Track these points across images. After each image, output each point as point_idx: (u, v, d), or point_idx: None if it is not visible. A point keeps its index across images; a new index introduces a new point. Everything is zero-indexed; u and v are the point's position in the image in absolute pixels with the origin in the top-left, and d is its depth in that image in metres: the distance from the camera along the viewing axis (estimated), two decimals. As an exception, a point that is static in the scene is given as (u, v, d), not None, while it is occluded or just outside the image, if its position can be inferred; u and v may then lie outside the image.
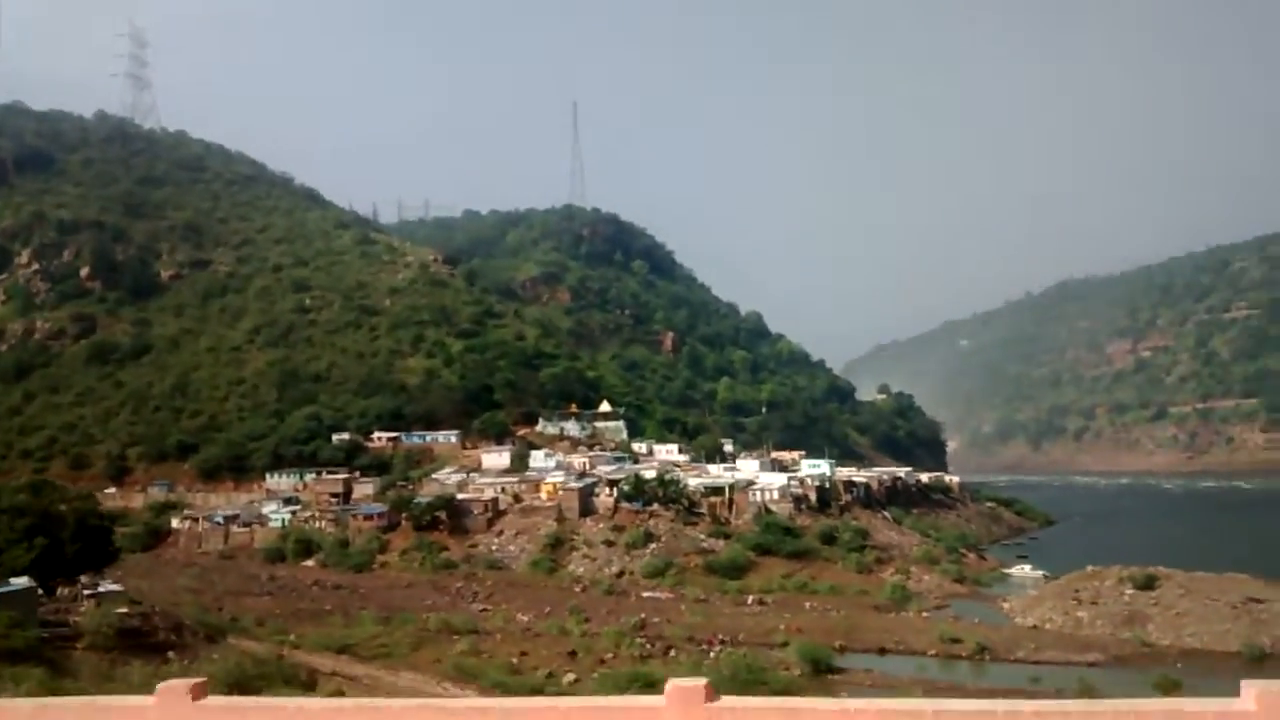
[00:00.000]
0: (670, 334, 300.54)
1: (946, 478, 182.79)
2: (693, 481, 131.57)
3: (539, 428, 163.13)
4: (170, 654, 64.30)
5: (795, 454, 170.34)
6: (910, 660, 75.64)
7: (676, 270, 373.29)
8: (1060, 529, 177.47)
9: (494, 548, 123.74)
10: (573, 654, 73.44)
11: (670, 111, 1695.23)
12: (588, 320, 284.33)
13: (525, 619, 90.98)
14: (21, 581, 66.10)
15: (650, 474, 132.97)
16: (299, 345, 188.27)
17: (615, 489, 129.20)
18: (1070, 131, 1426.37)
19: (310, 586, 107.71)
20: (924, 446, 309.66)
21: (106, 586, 71.84)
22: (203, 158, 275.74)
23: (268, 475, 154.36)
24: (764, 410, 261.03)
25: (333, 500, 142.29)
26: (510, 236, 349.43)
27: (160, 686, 5.04)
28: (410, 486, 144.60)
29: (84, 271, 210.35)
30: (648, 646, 75.02)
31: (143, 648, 63.63)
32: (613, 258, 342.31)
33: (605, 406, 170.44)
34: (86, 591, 70.08)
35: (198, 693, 5.02)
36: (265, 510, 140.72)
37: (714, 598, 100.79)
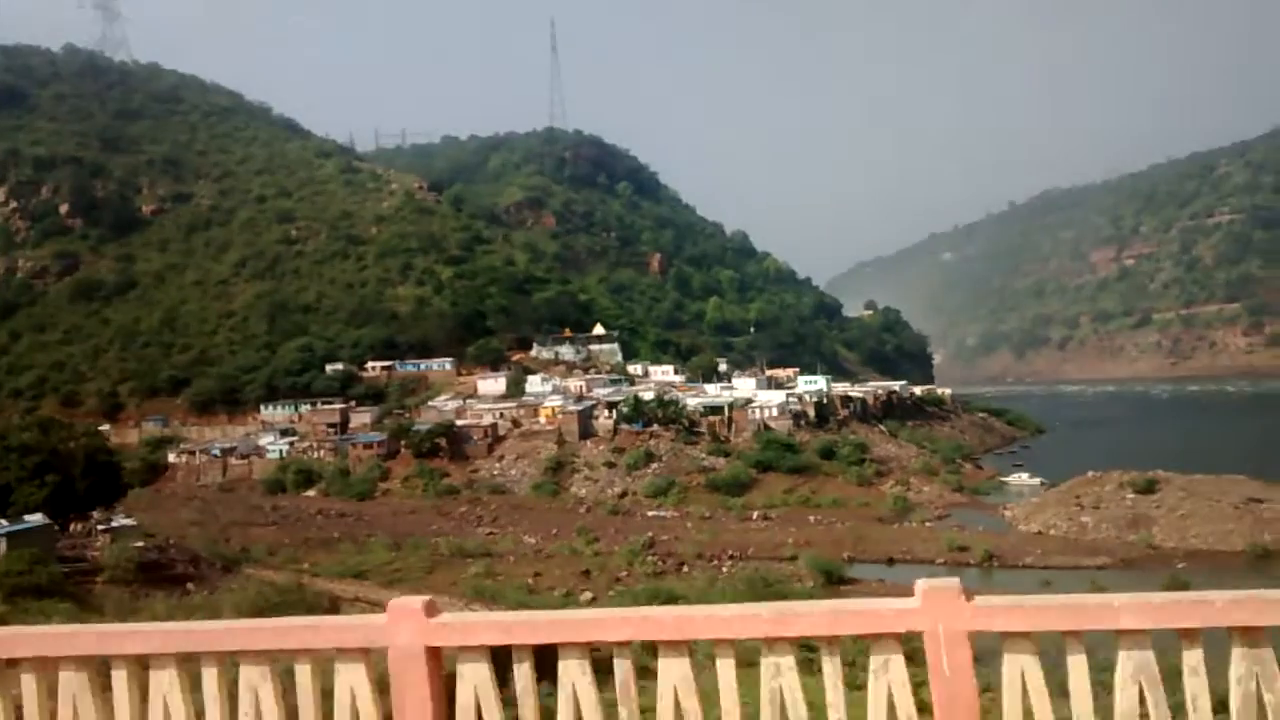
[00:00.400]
0: (657, 255, 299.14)
1: (939, 390, 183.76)
2: (691, 401, 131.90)
3: (533, 353, 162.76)
4: (189, 585, 64.64)
5: (789, 371, 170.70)
6: (919, 569, 76.48)
7: (661, 192, 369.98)
8: (1052, 437, 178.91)
9: (495, 473, 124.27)
10: (586, 573, 74.19)
11: (646, 29, 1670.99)
12: (573, 244, 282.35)
13: (532, 541, 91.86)
14: (37, 518, 66.24)
15: (648, 395, 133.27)
16: (286, 276, 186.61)
17: (614, 411, 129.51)
18: (1049, 40, 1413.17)
19: (314, 515, 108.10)
20: (911, 360, 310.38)
21: (120, 521, 71.92)
22: (178, 89, 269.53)
23: (262, 407, 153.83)
24: (752, 329, 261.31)
25: (329, 430, 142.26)
26: (491, 162, 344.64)
27: (392, 604, 4.98)
28: (407, 414, 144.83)
29: (63, 208, 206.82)
30: (660, 564, 75.75)
31: (162, 580, 63.89)
32: (596, 180, 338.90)
33: (599, 330, 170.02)
34: (100, 527, 70.17)
35: (431, 610, 4.97)
36: (262, 442, 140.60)
37: (718, 515, 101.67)
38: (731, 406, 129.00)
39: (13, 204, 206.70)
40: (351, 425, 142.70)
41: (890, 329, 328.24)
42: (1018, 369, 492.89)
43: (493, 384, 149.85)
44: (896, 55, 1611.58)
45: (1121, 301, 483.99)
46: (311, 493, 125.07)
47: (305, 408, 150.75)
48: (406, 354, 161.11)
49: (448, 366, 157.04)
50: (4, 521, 64.66)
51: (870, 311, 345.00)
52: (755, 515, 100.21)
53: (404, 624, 4.92)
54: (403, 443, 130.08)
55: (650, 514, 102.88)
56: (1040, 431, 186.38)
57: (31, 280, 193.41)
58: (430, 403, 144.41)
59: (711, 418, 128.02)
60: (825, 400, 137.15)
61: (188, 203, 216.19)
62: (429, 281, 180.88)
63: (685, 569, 75.61)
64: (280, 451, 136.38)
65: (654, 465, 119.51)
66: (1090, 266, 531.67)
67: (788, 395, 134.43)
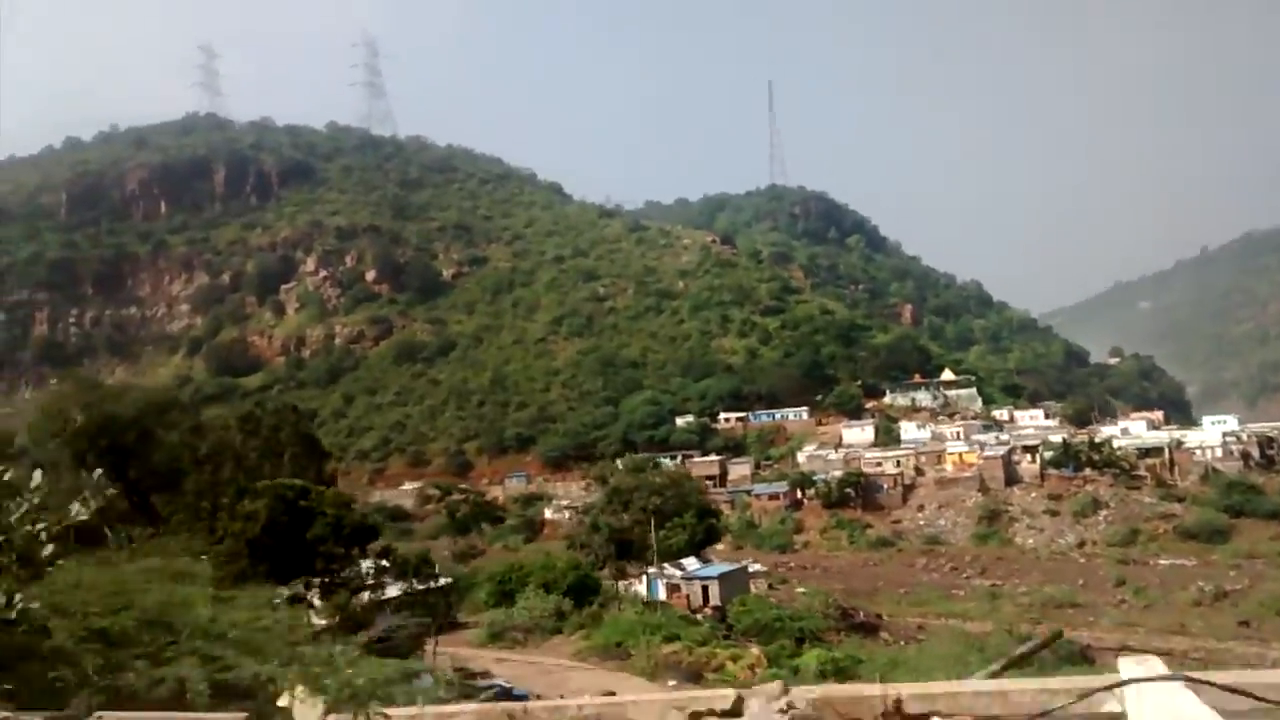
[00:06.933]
0: (909, 306, 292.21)
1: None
2: (1120, 443, 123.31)
3: (888, 399, 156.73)
4: (884, 635, 59.86)
5: (1156, 414, 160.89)
6: None
7: (887, 244, 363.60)
8: None
9: (921, 522, 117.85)
10: (1244, 623, 66.84)
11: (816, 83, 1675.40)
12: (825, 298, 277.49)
13: (1053, 593, 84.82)
14: (690, 562, 62.63)
15: (1055, 438, 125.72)
16: (604, 333, 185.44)
17: (1035, 455, 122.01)
18: (1223, 93, 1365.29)
19: (775, 569, 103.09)
20: (1174, 407, 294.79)
21: (751, 567, 67.83)
22: (449, 159, 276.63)
23: (616, 461, 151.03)
24: (1016, 378, 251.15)
25: (709, 482, 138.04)
26: (719, 221, 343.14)
27: None
28: (775, 464, 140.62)
29: (369, 275, 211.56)
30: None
31: (856, 628, 59.38)
32: (828, 235, 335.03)
33: (947, 375, 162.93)
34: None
35: None
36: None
37: (1245, 563, 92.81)
38: (1172, 448, 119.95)
39: (322, 273, 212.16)
40: (731, 476, 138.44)
41: (1147, 376, 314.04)
42: (1251, 418, 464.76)
43: (858, 432, 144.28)
44: (1077, 113, 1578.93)
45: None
46: (719, 546, 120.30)
47: (665, 461, 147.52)
48: (754, 404, 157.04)
49: (804, 416, 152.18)
50: (667, 566, 61.20)
51: (1117, 359, 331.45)
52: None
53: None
54: (805, 493, 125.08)
55: (1164, 562, 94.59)
56: None
57: (350, 345, 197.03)
58: (804, 452, 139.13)
59: (1149, 460, 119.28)
60: (1258, 440, 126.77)
61: (483, 266, 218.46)
62: (752, 333, 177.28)
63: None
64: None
65: (1103, 513, 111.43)
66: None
67: (1224, 435, 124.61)
